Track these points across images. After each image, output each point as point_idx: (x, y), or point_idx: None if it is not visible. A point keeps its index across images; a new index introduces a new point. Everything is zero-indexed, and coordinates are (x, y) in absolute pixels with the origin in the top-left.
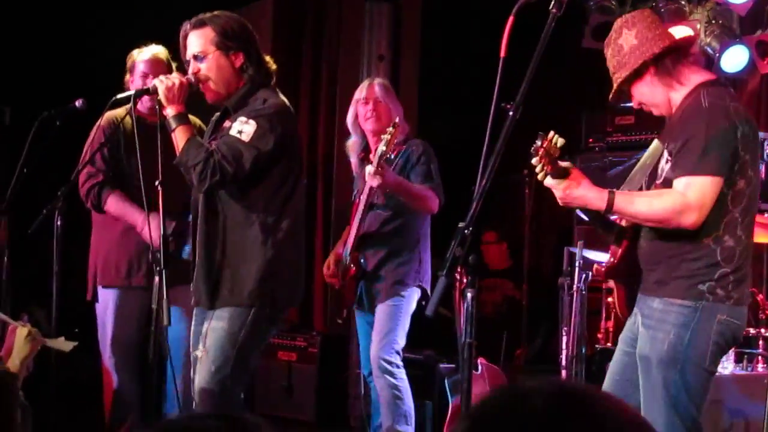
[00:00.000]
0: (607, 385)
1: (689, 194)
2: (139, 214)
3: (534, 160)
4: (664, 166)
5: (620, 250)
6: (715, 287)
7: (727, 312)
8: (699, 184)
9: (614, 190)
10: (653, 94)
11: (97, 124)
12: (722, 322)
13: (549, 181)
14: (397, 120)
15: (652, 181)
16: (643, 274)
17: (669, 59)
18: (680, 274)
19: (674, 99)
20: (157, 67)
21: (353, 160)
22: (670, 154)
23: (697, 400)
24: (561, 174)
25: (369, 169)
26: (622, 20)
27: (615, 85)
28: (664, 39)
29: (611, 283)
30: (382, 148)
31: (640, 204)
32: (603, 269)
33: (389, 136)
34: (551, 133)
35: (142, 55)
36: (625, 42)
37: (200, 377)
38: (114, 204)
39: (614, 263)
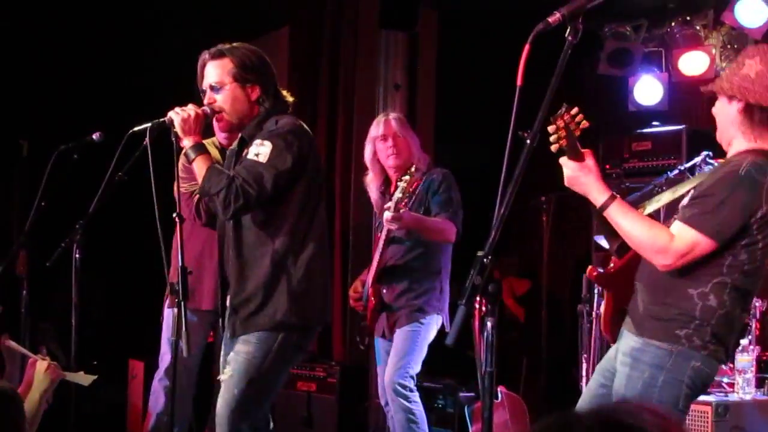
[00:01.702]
0: (583, 399)
1: (677, 240)
2: None
3: (551, 128)
4: (684, 204)
5: (621, 262)
6: (692, 335)
7: (701, 360)
8: (692, 237)
9: (617, 195)
10: (725, 123)
11: None
12: (695, 369)
13: (563, 159)
14: (413, 168)
15: (670, 213)
16: (630, 302)
17: (759, 114)
18: (659, 316)
19: (735, 145)
20: None
21: (373, 195)
22: (691, 197)
23: None
24: (575, 154)
25: (386, 214)
26: (764, 48)
27: (713, 85)
28: None
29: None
30: (398, 195)
31: (630, 221)
32: (597, 274)
33: (405, 184)
34: (576, 108)
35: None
36: (748, 67)
37: (223, 400)
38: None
39: (610, 271)
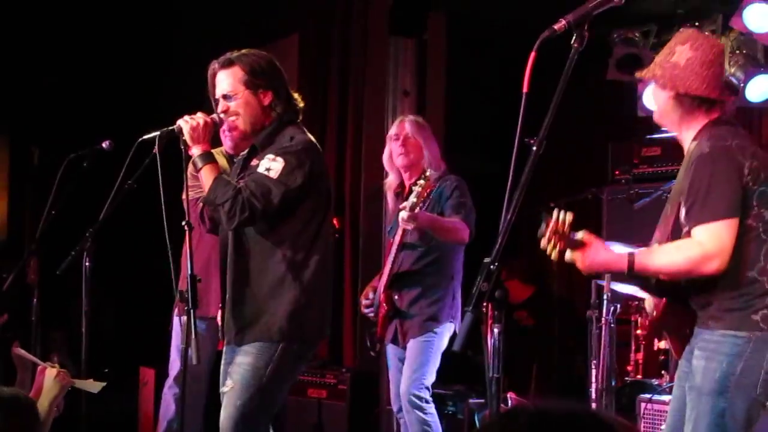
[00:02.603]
0: (669, 421)
1: (706, 243)
2: None
3: (542, 243)
4: (684, 218)
5: (662, 304)
6: None
7: None
8: (714, 231)
9: (633, 251)
10: (663, 109)
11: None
12: None
13: (568, 256)
14: (428, 173)
15: (678, 233)
16: (697, 312)
17: (690, 101)
18: (733, 307)
19: (684, 136)
20: None
21: (390, 197)
22: (685, 203)
23: (745, 429)
24: (577, 246)
25: (402, 214)
26: (696, 35)
27: (645, 72)
28: (702, 84)
29: (641, 315)
30: (413, 200)
31: (661, 259)
32: (649, 327)
33: (420, 189)
34: (555, 212)
35: None
36: (678, 54)
37: (226, 412)
38: None
39: (657, 317)
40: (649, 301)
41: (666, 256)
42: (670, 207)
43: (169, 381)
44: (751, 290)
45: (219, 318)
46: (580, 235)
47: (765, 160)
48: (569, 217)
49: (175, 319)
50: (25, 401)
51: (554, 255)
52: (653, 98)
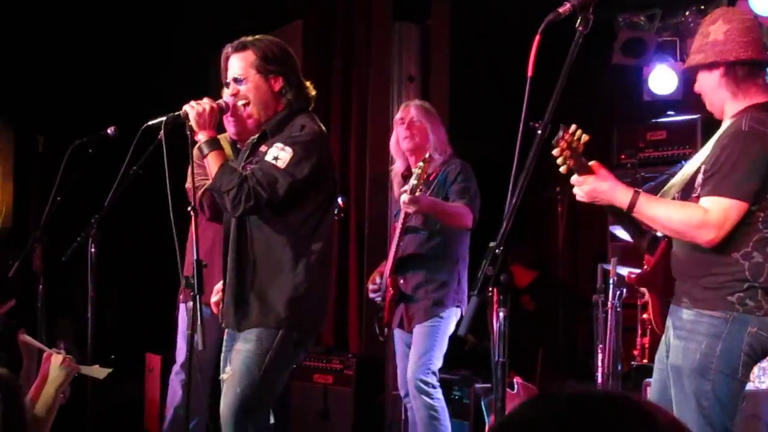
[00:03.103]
0: (652, 396)
1: (711, 213)
2: None
3: (555, 151)
4: (700, 181)
5: (654, 259)
6: (744, 298)
7: (758, 324)
8: (722, 205)
9: (640, 190)
10: (713, 92)
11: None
12: (753, 335)
13: (575, 177)
14: (428, 155)
15: (687, 194)
16: (675, 284)
17: (741, 70)
18: (709, 286)
19: (727, 109)
20: None
21: (396, 183)
22: (704, 172)
23: (730, 411)
24: (585, 170)
25: (404, 197)
26: (724, 11)
27: (687, 63)
28: (747, 50)
29: (647, 298)
30: (413, 182)
31: (662, 210)
32: (635, 277)
33: (420, 171)
34: (573, 126)
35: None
36: (714, 32)
37: (226, 399)
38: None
39: (647, 271)
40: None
41: (669, 208)
42: (686, 174)
43: (176, 367)
44: (730, 271)
45: (214, 305)
46: (591, 163)
47: None
48: (585, 136)
49: (181, 306)
50: (7, 377)
51: (563, 168)
52: (701, 87)
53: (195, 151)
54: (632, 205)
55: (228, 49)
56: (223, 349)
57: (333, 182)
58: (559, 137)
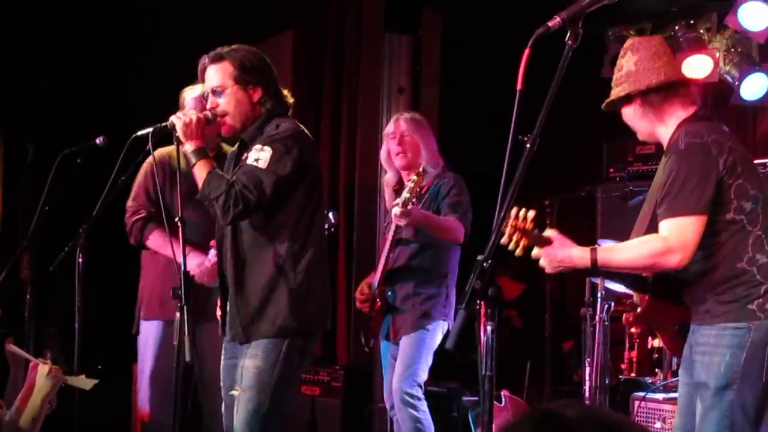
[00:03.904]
0: (678, 422)
1: (669, 237)
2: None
3: (503, 240)
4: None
5: (647, 297)
6: (764, 303)
7: None
8: (678, 226)
9: (596, 246)
10: (637, 122)
11: (148, 160)
12: None
13: (534, 252)
14: (421, 169)
15: (653, 228)
16: (691, 308)
17: (656, 96)
18: (728, 300)
19: (661, 134)
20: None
21: (387, 194)
22: (658, 199)
23: (754, 419)
24: (543, 242)
25: (395, 210)
26: (632, 42)
27: (607, 100)
28: (659, 74)
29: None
30: (405, 195)
31: (623, 254)
32: (632, 319)
33: (413, 185)
34: (514, 209)
35: (193, 93)
36: (626, 64)
37: (239, 417)
38: (155, 240)
39: (643, 310)
40: (636, 296)
41: (630, 250)
42: (647, 205)
43: (144, 385)
44: (743, 281)
45: (219, 315)
46: (547, 232)
47: (742, 153)
48: (531, 213)
49: (147, 324)
50: None
51: (518, 251)
52: (627, 120)
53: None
54: (593, 262)
55: (205, 59)
56: (223, 358)
57: (319, 179)
58: (503, 226)
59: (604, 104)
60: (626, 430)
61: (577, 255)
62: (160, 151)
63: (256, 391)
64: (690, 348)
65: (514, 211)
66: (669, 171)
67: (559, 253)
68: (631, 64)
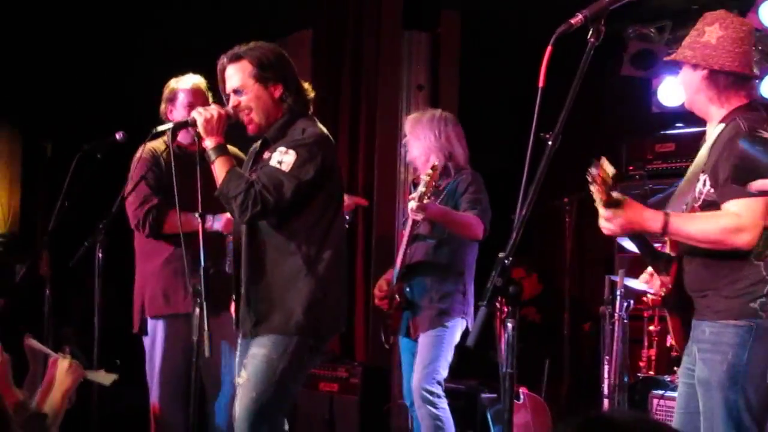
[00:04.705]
0: (676, 421)
1: (742, 215)
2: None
3: (593, 187)
4: (703, 189)
5: (670, 279)
6: (767, 303)
7: None
8: (750, 205)
9: (669, 212)
10: (693, 91)
11: (137, 156)
12: None
13: (603, 211)
14: (436, 162)
15: (689, 205)
16: (694, 301)
17: (725, 79)
18: (730, 295)
19: (713, 113)
20: (200, 97)
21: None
22: (712, 178)
23: (760, 419)
24: (615, 203)
25: (411, 204)
26: (723, 15)
27: (674, 55)
28: (735, 60)
29: (654, 311)
30: (421, 189)
31: (695, 226)
32: (660, 300)
33: (428, 178)
34: (604, 160)
35: (183, 84)
36: (708, 34)
37: (240, 404)
38: (172, 223)
39: (669, 291)
40: (655, 281)
41: (701, 222)
42: (686, 184)
43: (155, 384)
44: (748, 274)
45: (233, 311)
46: (616, 194)
47: None
48: (612, 169)
49: (153, 323)
50: None
51: (599, 203)
52: (682, 82)
53: (138, 158)
54: (665, 226)
55: (223, 59)
56: (238, 354)
57: (339, 184)
58: (594, 174)
59: (668, 56)
60: None
61: (650, 219)
62: (150, 146)
63: (260, 379)
64: (692, 344)
65: (603, 162)
66: (724, 152)
67: (632, 216)
68: (713, 38)
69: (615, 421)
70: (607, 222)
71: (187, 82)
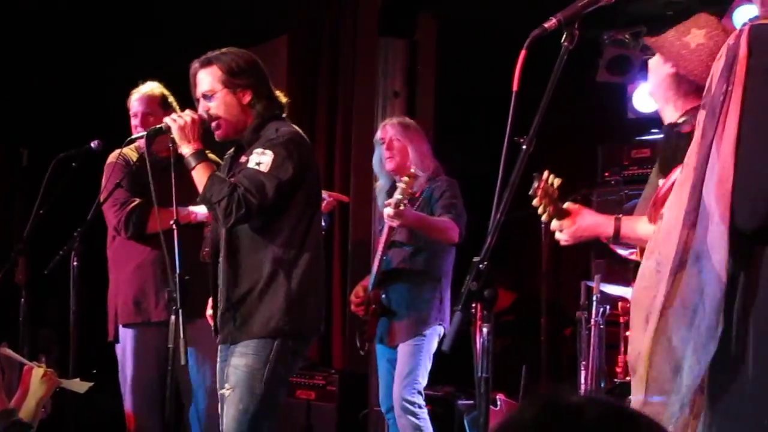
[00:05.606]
0: None
1: None
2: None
3: (535, 202)
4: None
5: None
6: None
7: None
8: None
9: (619, 216)
10: (657, 80)
11: (110, 161)
12: None
13: (554, 223)
14: (412, 170)
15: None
16: None
17: (687, 85)
18: None
19: (668, 113)
20: (149, 105)
21: (380, 200)
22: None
23: None
24: (563, 214)
25: (387, 210)
26: (714, 23)
27: (655, 40)
28: (703, 73)
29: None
30: (397, 196)
31: (645, 227)
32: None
33: (404, 185)
34: (546, 172)
35: (134, 95)
36: (691, 37)
37: (228, 416)
38: (154, 222)
39: None
40: None
41: (649, 224)
42: (650, 188)
43: (127, 393)
44: None
45: (210, 317)
46: (566, 204)
47: None
48: (557, 180)
49: (126, 332)
50: None
51: (545, 217)
52: (651, 67)
53: (110, 164)
54: (617, 231)
55: (195, 64)
56: (219, 360)
57: (317, 184)
58: (535, 187)
59: (649, 38)
60: (636, 417)
61: (602, 222)
62: (122, 152)
63: (245, 390)
64: None
65: (545, 174)
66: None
67: (583, 222)
68: (694, 42)
69: (572, 407)
70: (559, 233)
71: (137, 91)
